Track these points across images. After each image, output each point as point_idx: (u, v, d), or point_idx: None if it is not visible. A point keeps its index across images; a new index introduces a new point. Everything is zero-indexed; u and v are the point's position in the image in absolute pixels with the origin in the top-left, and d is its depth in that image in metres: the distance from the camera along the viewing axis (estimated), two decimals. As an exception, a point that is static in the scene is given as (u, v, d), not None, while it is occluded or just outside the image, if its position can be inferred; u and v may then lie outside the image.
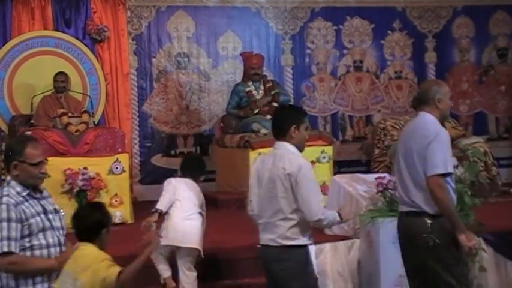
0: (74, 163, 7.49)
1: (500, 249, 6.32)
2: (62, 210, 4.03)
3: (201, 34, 10.28)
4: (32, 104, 8.42)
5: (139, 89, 10.03)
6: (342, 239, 6.24)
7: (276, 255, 4.27)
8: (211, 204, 8.69)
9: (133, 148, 9.84)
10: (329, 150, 8.78)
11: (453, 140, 9.04)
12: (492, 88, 11.31)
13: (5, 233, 3.73)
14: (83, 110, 8.31)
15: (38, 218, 3.83)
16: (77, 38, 9.40)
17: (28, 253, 3.79)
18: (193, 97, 10.25)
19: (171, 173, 10.05)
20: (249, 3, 10.44)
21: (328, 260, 6.09)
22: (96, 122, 8.64)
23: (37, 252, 3.81)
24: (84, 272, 3.70)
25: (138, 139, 9.98)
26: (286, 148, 4.31)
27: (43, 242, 3.84)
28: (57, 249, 3.88)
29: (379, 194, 5.89)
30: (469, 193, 5.70)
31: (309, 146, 8.65)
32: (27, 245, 3.79)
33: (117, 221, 7.46)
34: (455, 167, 5.85)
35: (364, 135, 10.73)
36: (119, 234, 6.94)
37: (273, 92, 9.23)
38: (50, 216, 3.91)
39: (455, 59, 11.23)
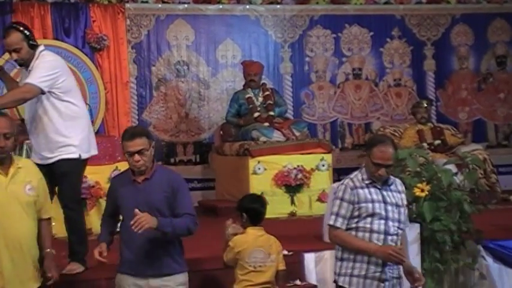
0: (74, 171, 7.48)
1: (499, 257, 6.32)
2: (405, 205, 4.53)
3: (200, 42, 10.30)
4: (31, 112, 8.41)
5: (139, 98, 10.05)
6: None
7: None
8: (210, 212, 8.74)
9: (133, 156, 9.83)
10: (328, 158, 8.80)
11: (452, 147, 9.19)
12: (491, 95, 11.33)
13: (335, 209, 4.39)
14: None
15: (370, 205, 4.35)
16: (76, 46, 9.41)
17: (353, 232, 4.37)
18: (193, 105, 10.27)
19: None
20: (248, 11, 10.47)
21: (327, 267, 6.08)
22: (95, 131, 8.65)
23: (360, 234, 4.36)
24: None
25: (138, 147, 9.97)
26: None
27: (367, 226, 4.35)
28: (381, 236, 4.34)
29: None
30: (469, 200, 5.72)
31: (308, 153, 8.79)
32: (354, 225, 4.37)
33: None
34: (455, 174, 5.88)
35: (364, 142, 10.73)
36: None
37: (265, 104, 9.25)
38: (389, 207, 4.38)
39: (454, 67, 11.24)
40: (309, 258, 6.10)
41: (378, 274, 4.33)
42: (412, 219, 5.67)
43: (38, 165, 5.51)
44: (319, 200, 8.50)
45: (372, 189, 4.40)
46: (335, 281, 4.49)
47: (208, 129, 10.26)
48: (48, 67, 5.41)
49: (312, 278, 6.05)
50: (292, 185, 8.54)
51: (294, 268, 5.85)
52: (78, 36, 9.55)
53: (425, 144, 9.04)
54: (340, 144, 10.72)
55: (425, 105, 9.52)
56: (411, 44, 11.04)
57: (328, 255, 6.12)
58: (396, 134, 9.44)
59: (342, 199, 4.38)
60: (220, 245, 5.55)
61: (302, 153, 8.73)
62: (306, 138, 9.10)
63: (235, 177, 8.92)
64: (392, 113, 10.94)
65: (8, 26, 5.89)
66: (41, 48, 5.57)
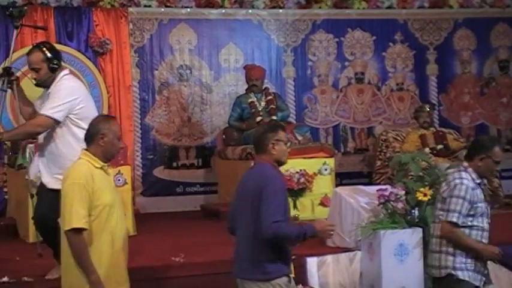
0: (76, 175, 7.48)
1: (502, 261, 6.31)
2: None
3: (203, 46, 10.31)
4: (34, 116, 8.42)
5: (142, 102, 10.05)
6: (344, 251, 6.24)
7: None
8: (213, 217, 8.74)
9: (136, 160, 9.85)
10: (331, 162, 8.79)
11: (455, 152, 9.18)
12: (494, 100, 11.33)
13: (458, 208, 4.63)
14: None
15: (483, 204, 4.70)
16: (79, 50, 9.42)
17: (467, 231, 4.67)
18: (195, 109, 10.27)
19: (174, 185, 10.13)
20: (250, 15, 10.48)
21: (330, 271, 6.09)
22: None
23: (474, 232, 4.69)
24: None
25: (140, 151, 9.99)
26: None
27: (481, 225, 4.70)
28: (486, 233, 4.74)
29: (381, 206, 5.89)
30: (471, 205, 5.70)
31: (311, 157, 8.78)
32: (469, 223, 4.67)
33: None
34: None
35: (366, 147, 10.74)
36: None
37: (268, 108, 9.26)
38: (486, 205, 4.76)
39: (456, 71, 11.24)
40: (311, 262, 6.10)
41: (482, 269, 4.74)
42: (414, 224, 5.67)
43: (43, 186, 5.47)
44: (322, 204, 8.49)
45: (480, 189, 4.74)
46: (450, 275, 4.69)
47: (210, 133, 10.27)
48: (65, 95, 5.32)
49: (314, 282, 6.04)
50: (294, 189, 8.52)
51: (296, 272, 5.84)
52: (81, 40, 9.57)
53: (427, 149, 9.03)
54: (342, 149, 10.72)
55: (428, 109, 9.52)
56: (414, 48, 11.04)
57: (330, 259, 6.12)
58: (398, 138, 9.43)
59: (464, 198, 4.63)
60: (223, 248, 5.56)
61: (304, 157, 8.72)
62: (308, 143, 9.10)
63: (237, 181, 8.89)
64: (394, 117, 10.94)
65: (35, 44, 5.74)
66: (64, 72, 5.48)
